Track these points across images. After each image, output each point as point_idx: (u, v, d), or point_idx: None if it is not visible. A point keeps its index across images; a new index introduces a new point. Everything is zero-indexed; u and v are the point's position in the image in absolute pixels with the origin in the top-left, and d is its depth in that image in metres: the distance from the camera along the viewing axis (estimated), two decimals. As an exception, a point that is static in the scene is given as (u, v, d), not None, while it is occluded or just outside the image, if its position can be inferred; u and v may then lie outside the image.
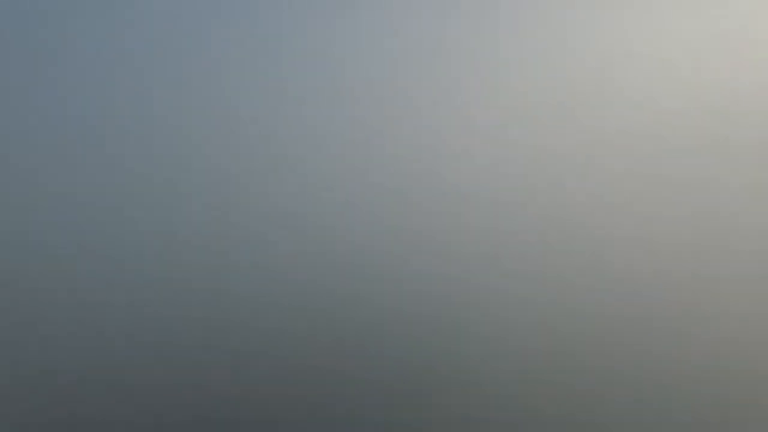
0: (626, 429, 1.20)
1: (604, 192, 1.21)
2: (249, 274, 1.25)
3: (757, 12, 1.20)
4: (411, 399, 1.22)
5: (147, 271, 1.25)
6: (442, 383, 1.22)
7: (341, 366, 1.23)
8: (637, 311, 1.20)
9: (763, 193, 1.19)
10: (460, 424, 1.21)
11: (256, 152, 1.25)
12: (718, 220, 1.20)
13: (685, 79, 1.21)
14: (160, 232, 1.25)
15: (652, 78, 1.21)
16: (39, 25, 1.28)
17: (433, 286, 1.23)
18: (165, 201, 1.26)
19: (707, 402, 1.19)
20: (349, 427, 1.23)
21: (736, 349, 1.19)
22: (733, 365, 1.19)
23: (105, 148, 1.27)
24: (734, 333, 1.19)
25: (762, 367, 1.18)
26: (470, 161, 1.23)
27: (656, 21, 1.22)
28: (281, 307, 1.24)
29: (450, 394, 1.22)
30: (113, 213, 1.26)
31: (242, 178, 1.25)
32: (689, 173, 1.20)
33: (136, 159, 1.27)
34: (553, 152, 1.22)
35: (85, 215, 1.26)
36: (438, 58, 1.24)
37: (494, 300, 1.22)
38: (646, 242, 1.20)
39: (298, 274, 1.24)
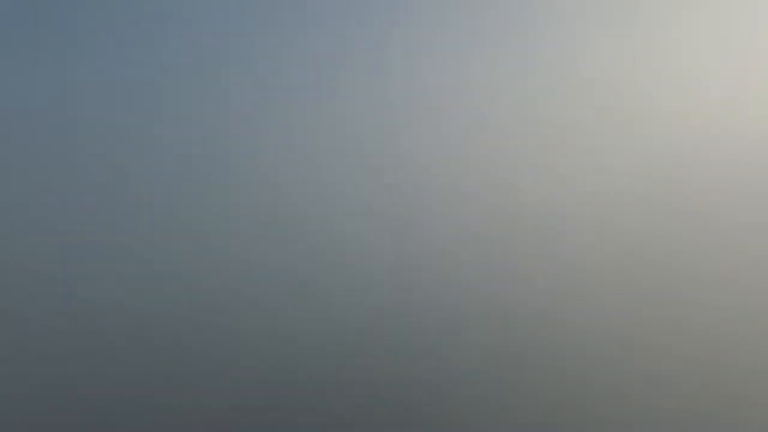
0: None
1: (605, 194, 1.22)
2: (248, 272, 1.25)
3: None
4: (410, 402, 1.22)
5: (148, 272, 1.25)
6: (443, 386, 1.22)
7: (341, 368, 1.23)
8: (636, 316, 1.20)
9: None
10: (456, 427, 1.22)
11: (260, 152, 1.25)
12: (721, 224, 1.20)
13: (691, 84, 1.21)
14: (163, 233, 1.25)
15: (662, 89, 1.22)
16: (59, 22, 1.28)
17: (434, 289, 1.23)
18: (169, 202, 1.26)
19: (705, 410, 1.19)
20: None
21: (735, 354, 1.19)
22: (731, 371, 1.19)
23: (106, 151, 1.27)
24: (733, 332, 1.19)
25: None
26: (477, 165, 1.23)
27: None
28: (278, 307, 1.24)
29: (448, 399, 1.22)
30: (112, 214, 1.26)
31: (250, 174, 1.25)
32: (692, 179, 1.21)
33: (137, 160, 1.26)
34: (558, 155, 1.22)
35: (85, 217, 1.26)
36: (441, 63, 1.24)
37: (494, 303, 1.22)
38: (646, 245, 1.21)
39: (296, 272, 1.24)
